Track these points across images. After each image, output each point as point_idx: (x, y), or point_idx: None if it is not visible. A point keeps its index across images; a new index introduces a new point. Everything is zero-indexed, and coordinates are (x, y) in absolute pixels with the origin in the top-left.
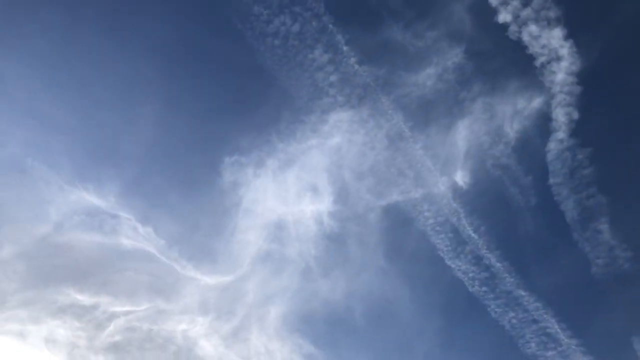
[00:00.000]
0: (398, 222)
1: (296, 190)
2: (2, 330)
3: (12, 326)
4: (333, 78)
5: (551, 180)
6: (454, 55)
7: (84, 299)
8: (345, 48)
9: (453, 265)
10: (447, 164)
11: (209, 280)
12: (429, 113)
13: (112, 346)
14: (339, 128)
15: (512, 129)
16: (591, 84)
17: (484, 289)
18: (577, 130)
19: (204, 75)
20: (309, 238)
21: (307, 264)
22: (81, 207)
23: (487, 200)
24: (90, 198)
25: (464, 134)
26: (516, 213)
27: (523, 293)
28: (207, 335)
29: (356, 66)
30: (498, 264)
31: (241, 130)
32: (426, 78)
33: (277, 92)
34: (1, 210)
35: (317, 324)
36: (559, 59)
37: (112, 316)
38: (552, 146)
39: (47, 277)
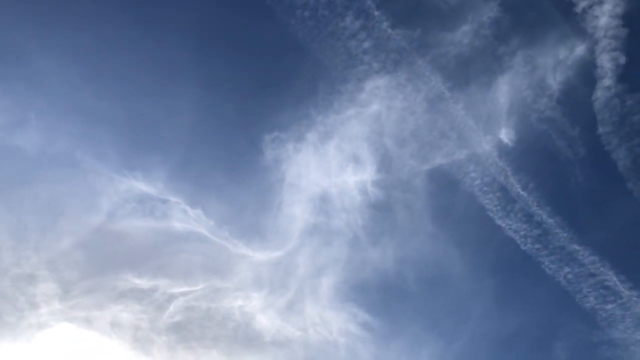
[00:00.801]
0: (444, 185)
1: (338, 161)
2: (69, 318)
3: (78, 313)
4: (366, 45)
5: (600, 130)
6: (490, 10)
7: (142, 283)
8: (376, 13)
9: (503, 225)
10: (490, 122)
11: (260, 256)
12: (468, 71)
13: (173, 326)
14: (376, 95)
15: (555, 81)
16: (638, 25)
17: (536, 246)
18: (625, 75)
19: (236, 55)
20: (354, 208)
21: (355, 234)
22: (131, 195)
23: (534, 155)
24: (139, 185)
25: (505, 90)
26: (565, 166)
27: (578, 247)
28: (263, 310)
29: (389, 30)
30: (550, 220)
31: (278, 106)
32: (462, 36)
33: (311, 64)
34: (57, 203)
35: (370, 292)
36: (601, 2)
37: (171, 297)
38: (599, 94)
39: (106, 264)
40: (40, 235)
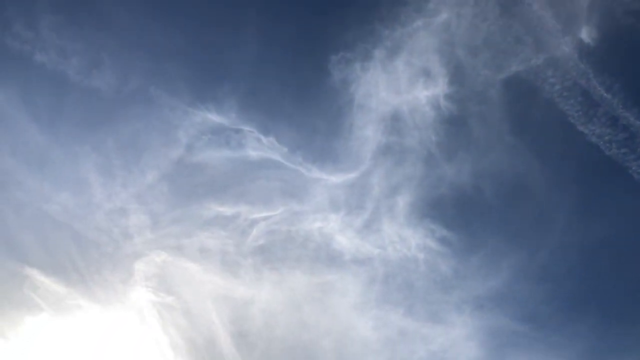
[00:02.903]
0: (521, 94)
1: (408, 77)
2: (161, 246)
3: (169, 242)
4: None
5: None
6: None
7: (225, 210)
8: None
9: (586, 131)
10: (569, 22)
11: (335, 179)
12: None
13: (257, 249)
14: (445, 3)
15: None
16: None
17: (623, 150)
18: None
19: None
20: (427, 125)
21: (429, 151)
22: (206, 127)
23: (620, 54)
24: (212, 117)
25: None
26: None
27: None
28: (341, 230)
29: None
30: (638, 122)
31: (342, 25)
32: None
33: None
34: (138, 140)
35: (447, 208)
36: None
37: (253, 222)
38: None
39: (189, 195)
40: (126, 171)
